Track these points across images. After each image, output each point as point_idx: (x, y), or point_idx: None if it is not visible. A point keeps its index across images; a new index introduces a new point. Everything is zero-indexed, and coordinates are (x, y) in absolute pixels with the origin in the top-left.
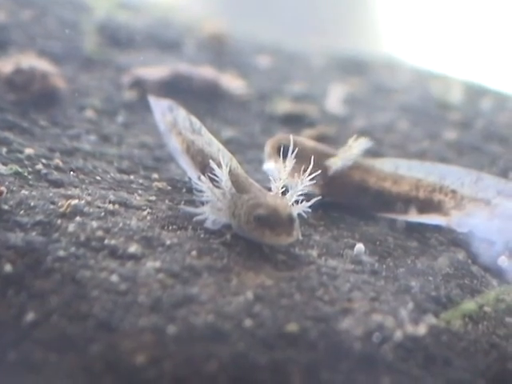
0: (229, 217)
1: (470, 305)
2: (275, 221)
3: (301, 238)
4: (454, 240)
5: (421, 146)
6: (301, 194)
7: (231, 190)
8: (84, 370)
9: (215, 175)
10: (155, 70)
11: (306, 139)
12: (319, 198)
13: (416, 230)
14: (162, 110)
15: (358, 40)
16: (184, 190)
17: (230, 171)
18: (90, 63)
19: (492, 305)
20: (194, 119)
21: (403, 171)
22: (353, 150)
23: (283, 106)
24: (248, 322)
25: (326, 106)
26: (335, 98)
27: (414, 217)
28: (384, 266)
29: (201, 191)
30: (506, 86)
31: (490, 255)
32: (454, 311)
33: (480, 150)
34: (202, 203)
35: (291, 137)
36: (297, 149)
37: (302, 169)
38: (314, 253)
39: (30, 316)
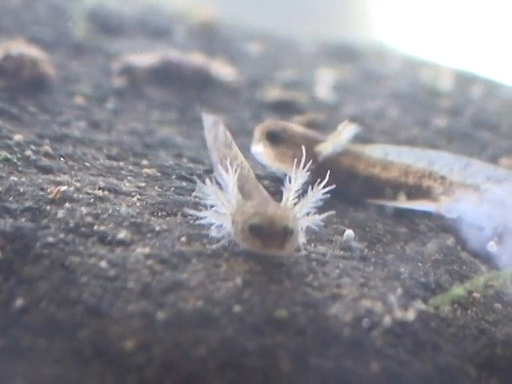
0: (230, 223)
1: (458, 290)
2: (268, 232)
3: (304, 251)
4: (443, 226)
5: (411, 132)
6: (313, 206)
7: (237, 196)
8: (73, 355)
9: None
10: (145, 57)
11: (295, 125)
12: (331, 213)
13: (405, 216)
14: (209, 126)
15: (349, 27)
16: (174, 177)
17: (238, 177)
18: (80, 50)
19: (481, 291)
20: (228, 133)
21: (393, 157)
22: (342, 136)
23: (273, 93)
24: (237, 308)
25: (316, 93)
26: (325, 85)
27: (403, 203)
28: (373, 252)
29: (207, 194)
30: (496, 74)
31: (478, 241)
32: (443, 297)
33: (470, 136)
34: (206, 207)
35: (281, 123)
36: (286, 134)
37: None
38: (304, 239)
39: (18, 302)
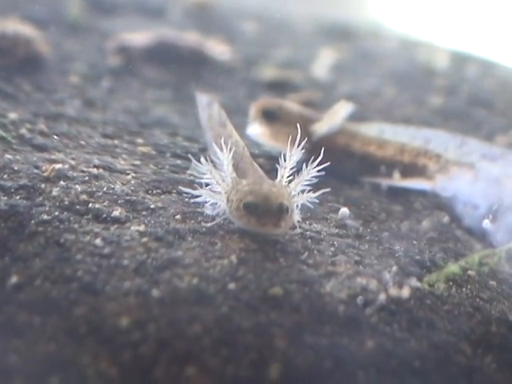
0: (225, 201)
1: (453, 268)
2: (263, 210)
3: (299, 229)
4: (438, 204)
5: (406, 111)
6: (308, 184)
7: (232, 175)
8: (68, 332)
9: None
10: (140, 36)
11: (291, 103)
12: (326, 190)
13: (400, 194)
14: (203, 105)
15: (345, 7)
16: (168, 155)
17: (233, 155)
18: (75, 29)
19: (476, 268)
20: (223, 113)
21: (388, 136)
22: (338, 115)
23: (269, 72)
24: (232, 286)
25: (312, 72)
26: (322, 64)
27: (398, 181)
28: (368, 230)
29: (201, 173)
30: (491, 54)
31: (473, 219)
32: (438, 274)
33: (465, 115)
34: (201, 185)
35: (276, 101)
36: (282, 112)
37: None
38: (299, 217)
39: (13, 279)
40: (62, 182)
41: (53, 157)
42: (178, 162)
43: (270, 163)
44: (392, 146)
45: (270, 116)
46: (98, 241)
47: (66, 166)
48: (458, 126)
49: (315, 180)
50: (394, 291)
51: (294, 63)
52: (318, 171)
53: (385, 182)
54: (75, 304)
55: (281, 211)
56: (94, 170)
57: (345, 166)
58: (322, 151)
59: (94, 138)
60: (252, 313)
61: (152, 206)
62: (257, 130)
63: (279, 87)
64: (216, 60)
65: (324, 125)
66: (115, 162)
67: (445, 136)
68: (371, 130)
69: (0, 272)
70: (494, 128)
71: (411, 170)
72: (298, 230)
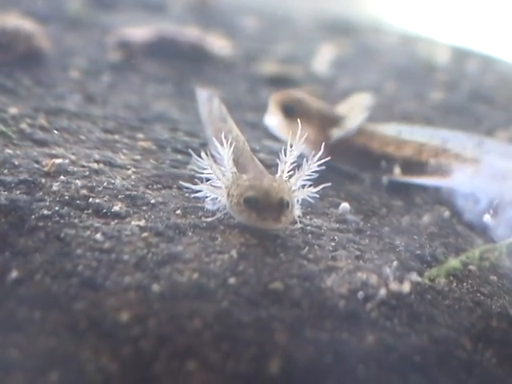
0: (225, 196)
1: (454, 263)
2: (263, 204)
3: (299, 224)
4: (439, 199)
5: (407, 106)
6: (308, 179)
7: (232, 170)
8: (68, 327)
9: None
10: (140, 31)
11: (310, 98)
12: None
13: (401, 189)
14: (203, 100)
15: (346, 2)
16: (169, 150)
17: (233, 150)
18: (75, 24)
19: (476, 263)
20: (223, 107)
21: (406, 136)
22: (356, 119)
23: (269, 67)
24: (232, 280)
25: (313, 68)
26: (322, 60)
27: (416, 178)
28: (369, 225)
29: (202, 167)
30: (492, 49)
31: (474, 213)
32: (439, 269)
33: (466, 110)
34: (202, 180)
35: (296, 95)
36: (301, 107)
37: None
38: (299, 212)
39: (13, 274)
40: (62, 177)
41: (53, 152)
42: (179, 156)
43: (270, 158)
44: (410, 146)
45: (288, 110)
46: (98, 236)
47: (67, 161)
48: (459, 121)
49: (316, 175)
50: (394, 286)
51: (294, 58)
52: (319, 166)
53: (403, 180)
54: (75, 299)
55: (281, 206)
56: (95, 165)
57: (363, 166)
58: (341, 151)
59: (95, 133)
60: (252, 308)
61: (152, 201)
62: (274, 121)
63: (279, 82)
64: (216, 55)
65: (341, 130)
66: (115, 157)
67: (462, 136)
68: (389, 130)
69: (0, 267)
70: (494, 123)
71: (429, 168)
72: (299, 225)
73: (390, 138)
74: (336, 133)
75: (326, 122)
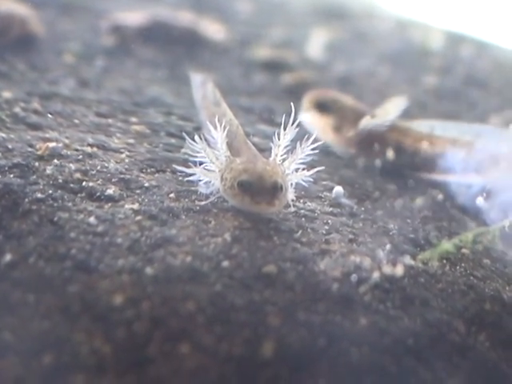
0: (219, 179)
1: (447, 246)
2: (257, 188)
3: (292, 208)
4: (432, 182)
5: (401, 91)
6: (302, 163)
7: (226, 153)
8: (62, 310)
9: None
10: (134, 16)
11: (344, 96)
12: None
13: (394, 173)
14: (197, 84)
15: None
16: (163, 134)
17: (227, 134)
18: (69, 8)
19: (470, 246)
20: (217, 92)
21: (439, 132)
22: (389, 113)
23: (263, 52)
24: (226, 264)
25: (307, 52)
26: (316, 44)
27: (453, 176)
28: (362, 209)
29: (196, 151)
30: (486, 35)
31: (467, 197)
32: (432, 253)
33: (459, 94)
34: (195, 164)
35: (331, 93)
36: (336, 106)
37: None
38: (293, 195)
39: (7, 257)
40: (55, 161)
41: (47, 135)
42: (172, 140)
43: (264, 142)
44: (443, 141)
45: (323, 108)
46: (91, 219)
47: (60, 145)
48: (453, 106)
49: (309, 158)
50: (387, 269)
51: (288, 43)
52: (312, 150)
53: (440, 178)
54: (69, 282)
55: (275, 189)
56: (88, 149)
57: (396, 162)
58: (373, 146)
59: (88, 117)
60: (246, 291)
61: (146, 185)
62: (308, 119)
63: (273, 67)
64: (210, 40)
65: (370, 121)
66: (109, 141)
67: (495, 130)
68: (422, 126)
69: None
70: (488, 108)
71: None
72: (292, 209)
73: (423, 134)
74: (363, 123)
75: (360, 120)
